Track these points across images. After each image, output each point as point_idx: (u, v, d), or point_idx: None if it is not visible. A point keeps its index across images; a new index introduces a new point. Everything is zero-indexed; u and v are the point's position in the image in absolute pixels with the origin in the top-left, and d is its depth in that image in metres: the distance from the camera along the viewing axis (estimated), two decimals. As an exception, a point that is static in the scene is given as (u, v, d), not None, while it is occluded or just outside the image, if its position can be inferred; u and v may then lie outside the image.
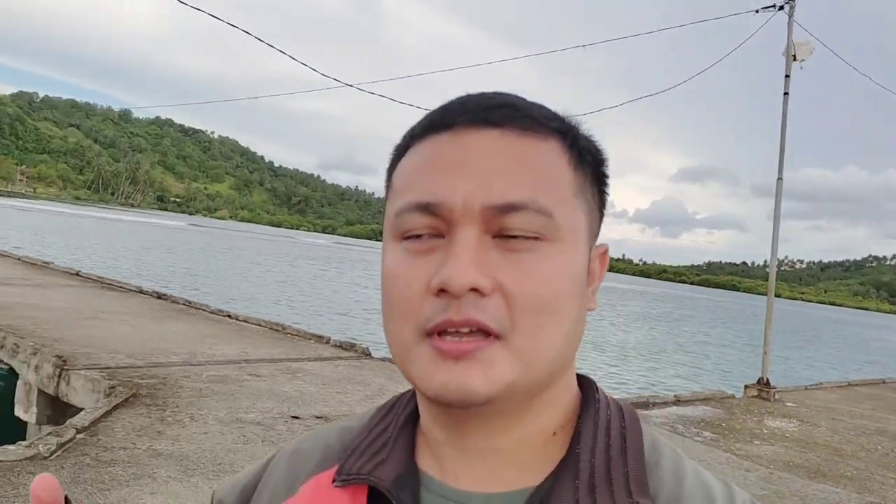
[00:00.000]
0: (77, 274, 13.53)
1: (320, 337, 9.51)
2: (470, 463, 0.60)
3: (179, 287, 21.14)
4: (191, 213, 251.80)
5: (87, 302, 10.15)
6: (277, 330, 9.77)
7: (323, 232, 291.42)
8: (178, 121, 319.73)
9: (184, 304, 11.19)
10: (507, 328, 0.53)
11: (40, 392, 6.20)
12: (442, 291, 0.53)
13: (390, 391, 6.92)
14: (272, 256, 59.07)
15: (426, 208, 0.55)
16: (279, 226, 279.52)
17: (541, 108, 0.60)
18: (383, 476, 0.60)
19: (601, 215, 0.63)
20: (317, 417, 5.60)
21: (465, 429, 0.59)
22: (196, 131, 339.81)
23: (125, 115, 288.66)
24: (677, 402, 8.73)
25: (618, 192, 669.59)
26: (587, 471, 0.57)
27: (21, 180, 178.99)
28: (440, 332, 0.54)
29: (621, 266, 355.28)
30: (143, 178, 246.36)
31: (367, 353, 8.85)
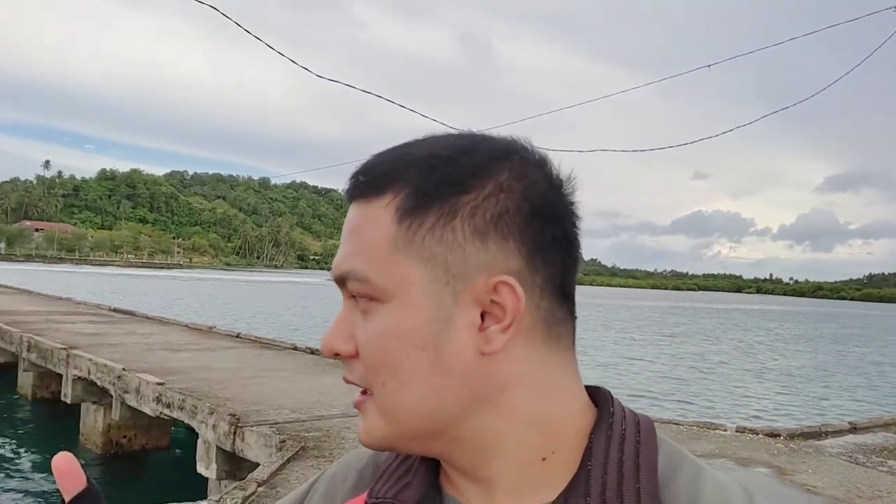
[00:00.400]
0: (238, 336, 14.47)
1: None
2: (474, 489, 0.61)
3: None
4: (329, 269, 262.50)
5: (249, 362, 10.84)
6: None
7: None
8: (311, 183, 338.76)
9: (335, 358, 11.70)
10: (370, 384, 0.58)
11: (218, 449, 6.68)
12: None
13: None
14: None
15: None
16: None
17: (401, 159, 0.58)
18: (406, 499, 0.62)
19: (484, 243, 0.56)
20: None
21: (448, 464, 0.62)
22: (329, 191, 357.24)
23: (264, 183, 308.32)
24: (854, 429, 8.10)
25: (757, 210, 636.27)
26: (598, 487, 0.57)
27: (178, 252, 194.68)
28: None
29: (769, 287, 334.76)
30: (284, 240, 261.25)
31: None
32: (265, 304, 44.54)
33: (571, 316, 0.61)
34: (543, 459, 0.59)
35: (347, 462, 0.73)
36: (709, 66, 13.03)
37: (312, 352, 12.39)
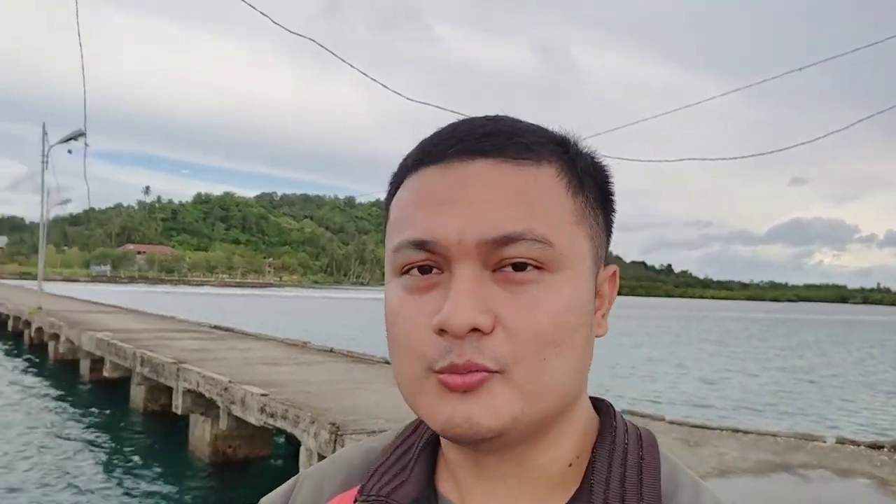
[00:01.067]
0: (330, 351, 14.97)
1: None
2: (486, 488, 0.60)
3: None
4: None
5: (343, 375, 11.26)
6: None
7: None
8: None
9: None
10: (509, 363, 0.53)
11: (320, 456, 7.03)
12: (443, 331, 0.53)
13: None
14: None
15: (422, 245, 0.54)
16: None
17: (535, 131, 0.59)
18: (401, 498, 0.60)
19: (608, 237, 0.61)
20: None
21: (479, 456, 0.59)
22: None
23: (350, 202, 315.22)
24: (965, 442, 7.72)
25: (861, 216, 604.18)
26: (601, 503, 0.56)
27: (269, 271, 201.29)
28: None
29: (877, 297, 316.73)
30: (370, 258, 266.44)
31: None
32: (353, 320, 45.59)
33: None
34: (570, 465, 0.59)
35: (337, 460, 0.71)
36: (800, 69, 12.75)
37: (403, 365, 12.73)
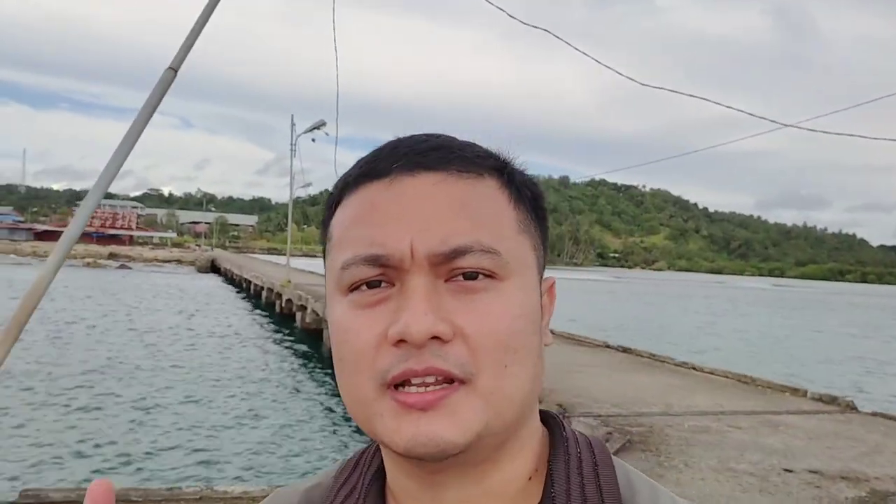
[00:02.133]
0: (550, 332, 15.22)
1: (795, 389, 9.11)
2: None
3: (625, 337, 22.09)
4: (629, 267, 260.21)
5: (566, 357, 11.40)
6: (746, 382, 9.65)
7: (769, 276, 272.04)
8: (610, 180, 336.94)
9: (648, 357, 11.79)
10: (472, 372, 0.52)
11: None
12: (401, 342, 0.52)
13: (889, 449, 6.34)
14: (706, 302, 57.41)
15: (375, 261, 0.54)
16: (720, 272, 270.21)
17: (473, 147, 0.59)
18: None
19: (545, 249, 0.62)
20: (811, 472, 5.47)
21: (438, 481, 0.57)
22: (628, 187, 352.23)
23: (564, 181, 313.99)
24: None
25: None
26: None
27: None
28: (400, 383, 0.53)
29: None
30: (584, 238, 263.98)
31: (851, 407, 8.19)
32: (569, 302, 45.58)
33: None
34: (529, 479, 0.59)
35: (279, 502, 0.68)
36: None
37: (625, 350, 12.61)
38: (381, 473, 0.63)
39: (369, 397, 0.54)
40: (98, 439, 9.48)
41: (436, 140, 0.58)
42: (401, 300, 0.53)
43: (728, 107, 7.44)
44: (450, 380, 0.52)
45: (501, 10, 6.72)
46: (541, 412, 0.62)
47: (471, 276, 0.53)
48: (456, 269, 0.53)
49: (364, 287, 0.55)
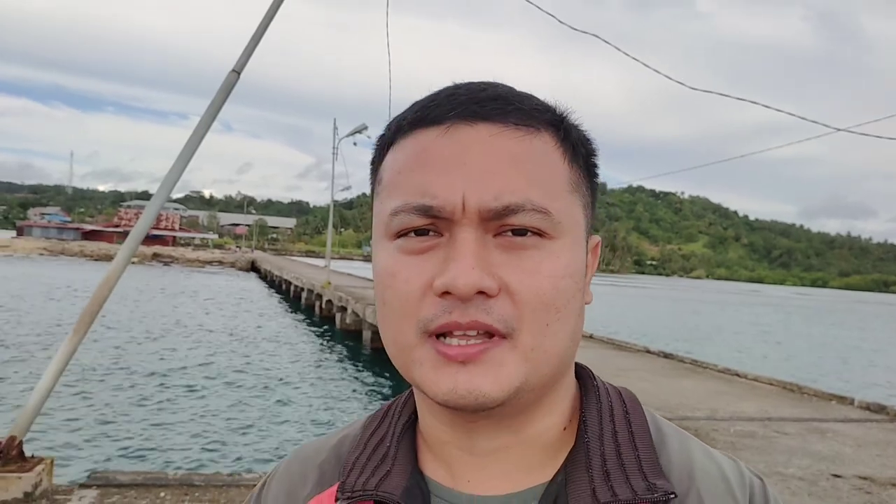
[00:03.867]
0: (591, 336, 15.19)
1: (842, 397, 9.01)
2: (480, 464, 0.59)
3: (662, 343, 21.97)
4: (667, 275, 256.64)
5: (607, 361, 11.40)
6: (792, 390, 9.57)
7: (812, 286, 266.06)
8: (648, 186, 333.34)
9: (690, 364, 11.73)
10: (515, 328, 0.52)
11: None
12: (447, 293, 0.52)
13: (941, 459, 6.26)
14: (756, 313, 56.50)
15: (425, 210, 0.53)
16: (760, 282, 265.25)
17: (531, 98, 0.58)
18: (391, 489, 0.58)
19: (594, 208, 0.62)
20: (861, 478, 5.44)
21: (473, 429, 0.58)
22: (667, 194, 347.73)
23: (602, 188, 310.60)
24: None
25: None
26: (598, 459, 0.56)
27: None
28: (442, 334, 0.53)
29: None
30: (621, 245, 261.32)
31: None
32: (607, 308, 45.28)
33: None
34: (564, 429, 0.60)
35: (301, 460, 0.67)
36: None
37: (666, 356, 12.55)
38: (412, 422, 0.64)
39: (411, 343, 0.54)
40: (163, 431, 9.82)
41: (494, 89, 0.57)
42: (449, 251, 0.53)
43: (778, 110, 7.39)
44: (490, 334, 0.52)
45: (552, 15, 6.81)
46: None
47: (520, 232, 0.53)
48: (506, 225, 0.53)
49: (412, 234, 0.54)
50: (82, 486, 4.58)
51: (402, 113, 0.58)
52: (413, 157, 0.55)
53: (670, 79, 6.16)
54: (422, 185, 0.54)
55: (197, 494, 4.45)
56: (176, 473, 5.09)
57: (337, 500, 0.60)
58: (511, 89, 0.58)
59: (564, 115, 0.58)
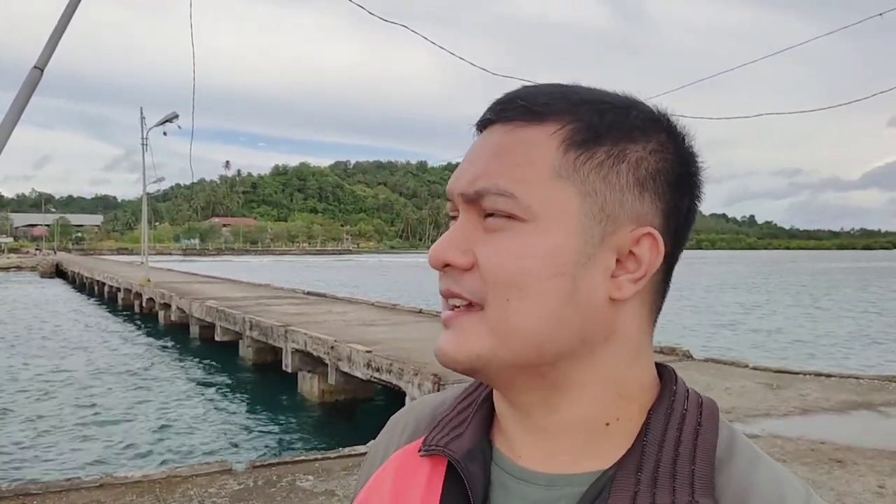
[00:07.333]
0: (420, 311, 15.71)
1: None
2: (530, 441, 0.62)
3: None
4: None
5: (435, 333, 11.70)
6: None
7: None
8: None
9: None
10: (484, 300, 0.57)
11: (425, 403, 7.75)
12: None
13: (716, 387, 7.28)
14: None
15: (448, 197, 0.62)
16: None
17: (555, 93, 0.59)
18: (455, 448, 0.63)
19: (641, 194, 0.58)
20: None
21: (516, 404, 0.62)
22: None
23: (422, 166, 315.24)
24: None
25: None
26: (652, 464, 0.57)
27: (346, 238, 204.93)
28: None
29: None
30: (444, 221, 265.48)
31: (689, 356, 9.33)
32: (435, 283, 46.45)
33: (667, 290, 0.62)
34: (607, 424, 0.60)
35: (409, 412, 0.75)
36: (881, 14, 12.43)
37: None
38: (492, 392, 0.67)
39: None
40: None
41: (535, 89, 0.60)
42: None
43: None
44: (470, 304, 0.58)
45: (362, 7, 7.08)
46: (657, 365, 0.64)
47: (494, 214, 0.58)
48: (483, 209, 0.58)
49: (451, 220, 0.62)
50: None
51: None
52: None
53: (474, 65, 6.66)
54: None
55: (35, 503, 4.34)
56: (10, 485, 4.90)
57: (420, 451, 0.66)
58: (554, 88, 0.60)
59: (599, 108, 0.58)
